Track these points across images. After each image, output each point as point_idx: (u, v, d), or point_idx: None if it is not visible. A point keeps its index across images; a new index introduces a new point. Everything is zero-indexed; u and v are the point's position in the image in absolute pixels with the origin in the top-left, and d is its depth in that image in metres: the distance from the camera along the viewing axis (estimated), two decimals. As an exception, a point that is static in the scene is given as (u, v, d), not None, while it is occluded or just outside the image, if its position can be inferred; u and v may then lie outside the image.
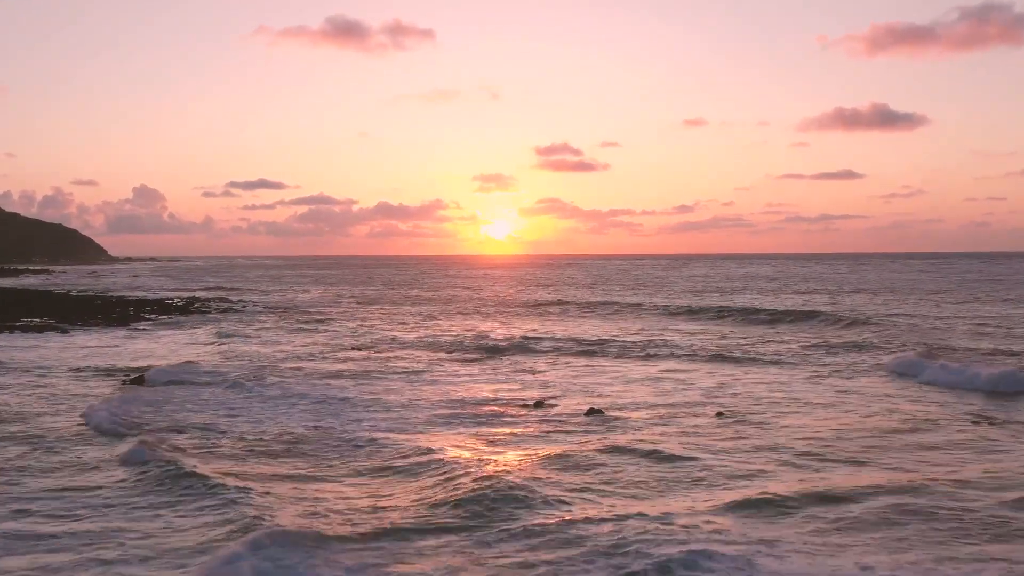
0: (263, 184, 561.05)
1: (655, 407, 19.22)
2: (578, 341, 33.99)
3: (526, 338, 34.96)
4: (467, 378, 24.43)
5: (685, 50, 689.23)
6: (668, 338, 35.20)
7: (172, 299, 65.56)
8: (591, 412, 18.30)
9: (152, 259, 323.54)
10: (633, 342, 33.32)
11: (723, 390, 21.60)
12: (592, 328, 40.55)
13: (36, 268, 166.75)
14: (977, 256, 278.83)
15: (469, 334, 37.21)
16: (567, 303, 58.73)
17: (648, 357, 28.90)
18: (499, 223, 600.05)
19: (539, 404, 19.73)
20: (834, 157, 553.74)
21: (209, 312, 52.58)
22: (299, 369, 25.97)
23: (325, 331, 39.66)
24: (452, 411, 18.85)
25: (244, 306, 58.49)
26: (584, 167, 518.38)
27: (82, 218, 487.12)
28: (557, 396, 20.98)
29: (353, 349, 31.79)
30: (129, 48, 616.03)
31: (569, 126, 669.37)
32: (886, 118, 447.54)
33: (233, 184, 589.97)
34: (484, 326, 41.86)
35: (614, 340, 34.15)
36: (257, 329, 40.54)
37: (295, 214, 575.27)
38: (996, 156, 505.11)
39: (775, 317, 44.21)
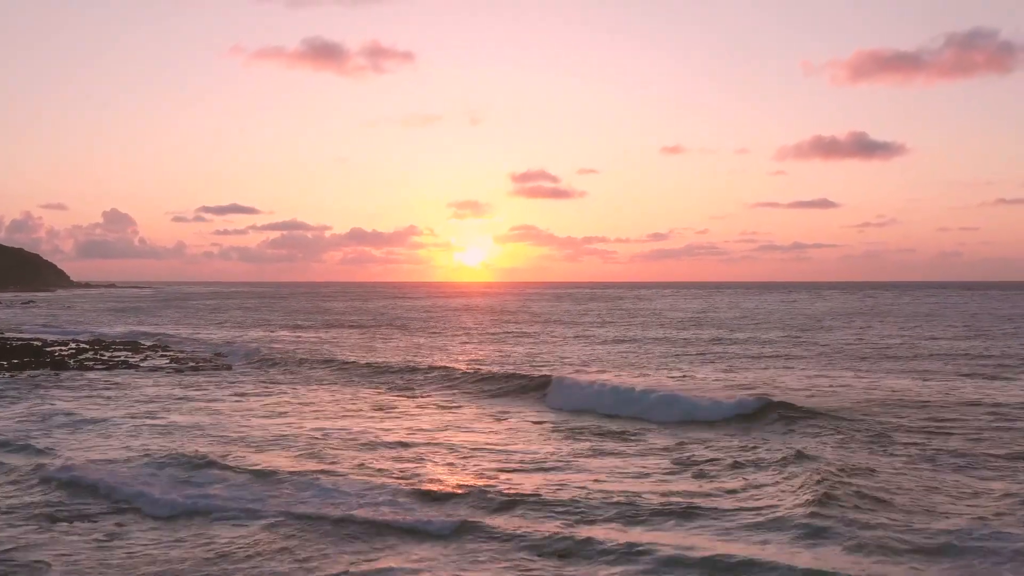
0: (235, 209, 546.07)
1: None
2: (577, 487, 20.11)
3: (498, 480, 18.46)
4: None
5: (669, 76, 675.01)
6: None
7: (64, 344, 51.37)
8: None
9: (112, 285, 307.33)
10: (664, 502, 19.50)
11: None
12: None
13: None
14: (948, 287, 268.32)
15: (403, 462, 22.15)
16: (537, 367, 44.71)
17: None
18: (473, 250, 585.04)
19: None
20: (810, 186, 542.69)
21: (90, 370, 38.53)
22: None
23: (179, 423, 25.83)
24: None
25: (147, 357, 44.42)
26: (560, 194, 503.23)
27: (52, 243, 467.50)
28: None
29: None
30: (99, 70, 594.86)
31: (548, 152, 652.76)
32: (864, 147, 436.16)
33: (205, 209, 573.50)
34: (424, 436, 27.84)
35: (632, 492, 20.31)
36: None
37: (267, 239, 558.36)
38: (973, 186, 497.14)
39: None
